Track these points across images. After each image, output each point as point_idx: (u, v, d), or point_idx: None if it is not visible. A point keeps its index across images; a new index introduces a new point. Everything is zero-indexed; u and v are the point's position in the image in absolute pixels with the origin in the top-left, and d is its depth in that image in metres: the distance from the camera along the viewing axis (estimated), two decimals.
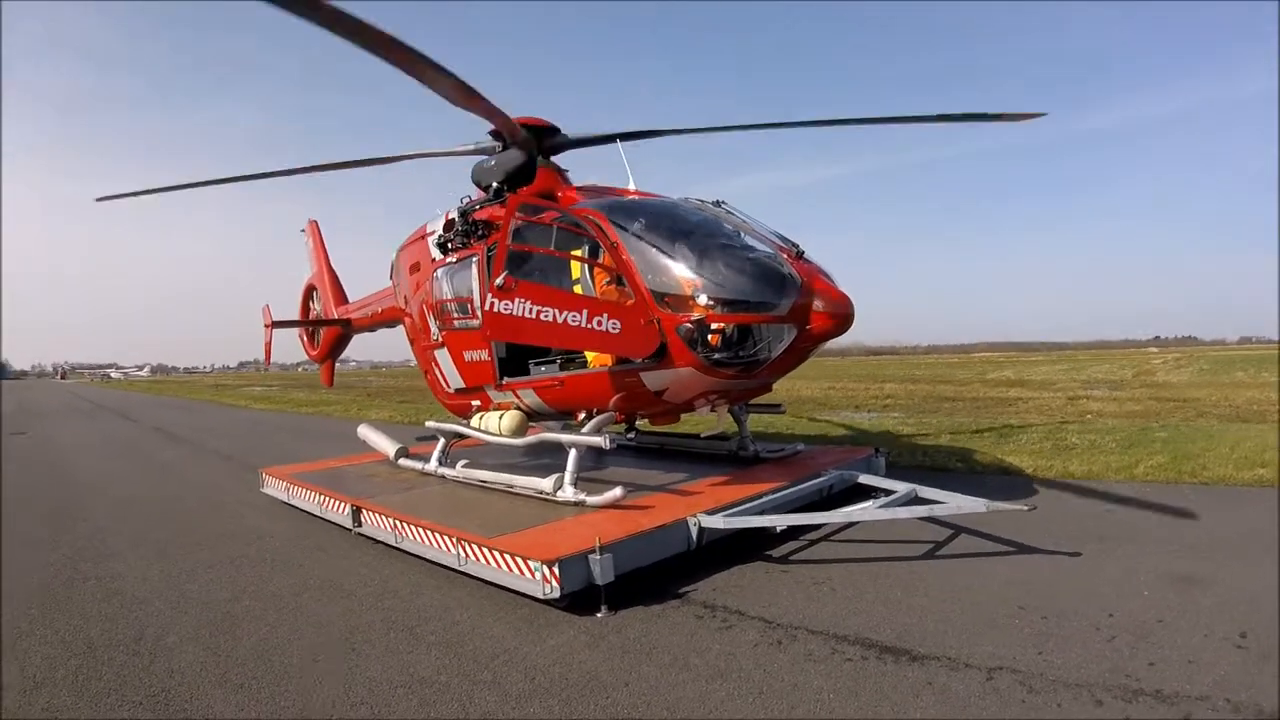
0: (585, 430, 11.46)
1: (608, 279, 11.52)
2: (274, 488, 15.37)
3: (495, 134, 13.23)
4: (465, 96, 10.70)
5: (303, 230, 24.64)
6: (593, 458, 14.13)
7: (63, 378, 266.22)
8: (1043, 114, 11.66)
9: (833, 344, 11.04)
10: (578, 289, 12.25)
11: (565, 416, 13.11)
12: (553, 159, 13.61)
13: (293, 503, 14.44)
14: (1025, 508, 9.41)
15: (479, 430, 13.17)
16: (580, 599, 8.39)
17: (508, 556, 8.72)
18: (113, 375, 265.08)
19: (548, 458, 14.09)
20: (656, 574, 9.33)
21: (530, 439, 12.52)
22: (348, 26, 8.41)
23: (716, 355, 10.28)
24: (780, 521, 10.09)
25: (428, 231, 14.63)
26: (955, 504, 9.92)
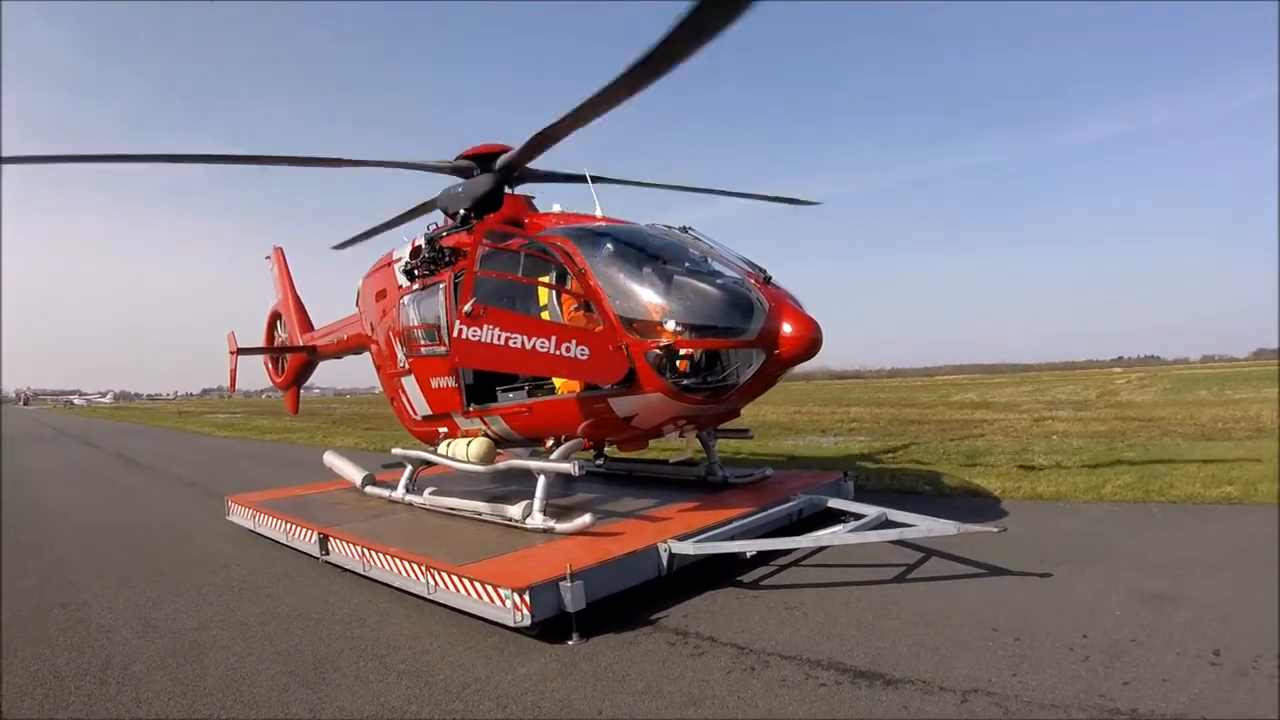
0: (554, 457, 11.42)
1: (576, 305, 11.53)
2: (240, 515, 15.22)
3: (467, 157, 13.22)
4: (417, 167, 10.65)
5: (267, 257, 24.50)
6: (561, 484, 14.12)
7: (25, 404, 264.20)
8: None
9: (797, 369, 11.05)
10: (546, 315, 12.24)
11: (534, 443, 13.06)
12: (519, 188, 13.62)
13: (259, 531, 14.29)
14: (995, 529, 9.44)
15: (447, 457, 13.12)
16: (551, 627, 8.33)
17: (478, 584, 8.65)
18: (75, 402, 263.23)
19: (516, 484, 14.02)
20: (627, 601, 9.27)
21: (498, 466, 12.50)
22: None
23: (685, 381, 10.28)
24: (750, 547, 10.07)
25: (394, 259, 14.56)
26: (926, 527, 9.92)
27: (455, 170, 13.47)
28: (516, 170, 13.17)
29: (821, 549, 11.10)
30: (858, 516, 11.13)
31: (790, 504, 12.08)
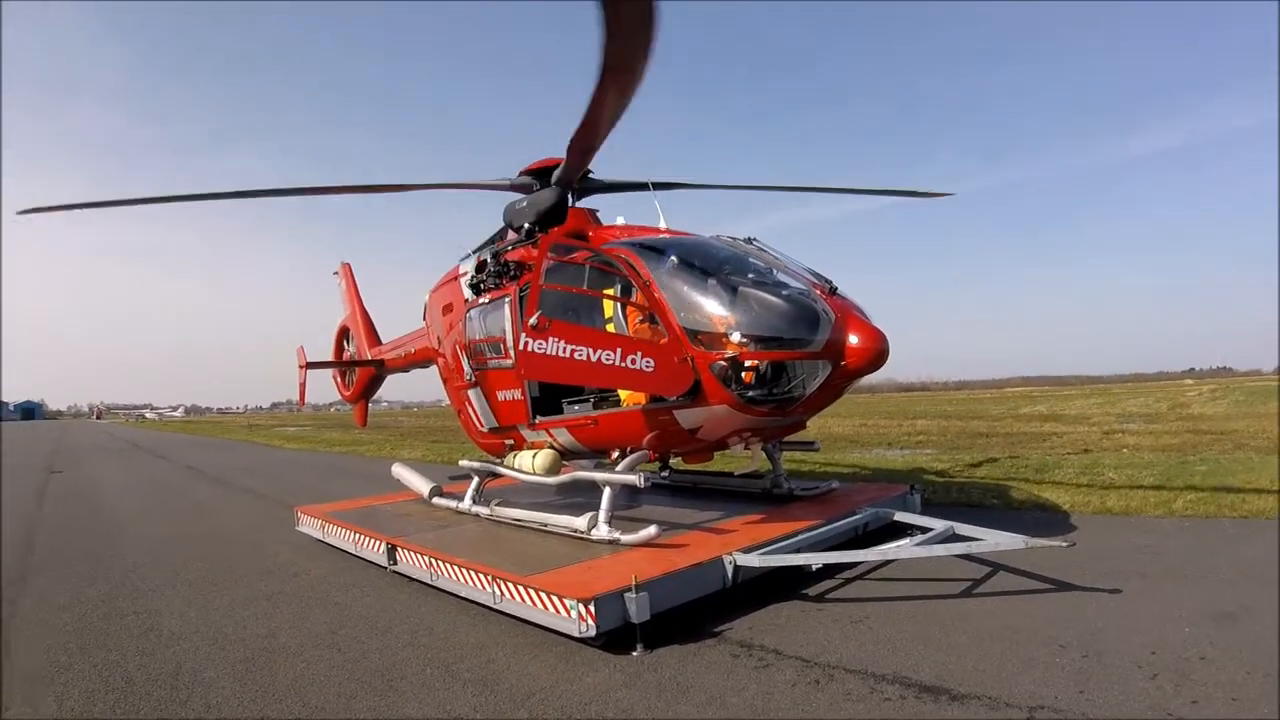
0: (619, 469, 11.42)
1: (641, 317, 11.56)
2: (309, 526, 15.42)
3: (528, 173, 13.31)
4: (482, 186, 10.65)
5: (335, 272, 24.79)
6: (627, 496, 14.16)
7: (98, 418, 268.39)
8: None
9: (863, 381, 11.00)
10: (611, 328, 12.28)
11: (599, 455, 13.05)
12: (583, 201, 13.69)
13: (328, 541, 14.46)
14: (1064, 544, 9.31)
15: (513, 469, 13.21)
16: (616, 637, 8.35)
17: (543, 594, 8.70)
18: (148, 415, 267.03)
19: (581, 496, 14.03)
20: (692, 613, 9.28)
21: (564, 477, 12.51)
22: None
23: (751, 392, 10.25)
24: (816, 559, 10.05)
25: (460, 273, 14.67)
26: (993, 541, 9.80)
27: (518, 187, 13.56)
28: (578, 183, 13.23)
29: (888, 562, 11.07)
30: (924, 530, 11.07)
31: (856, 517, 12.02)
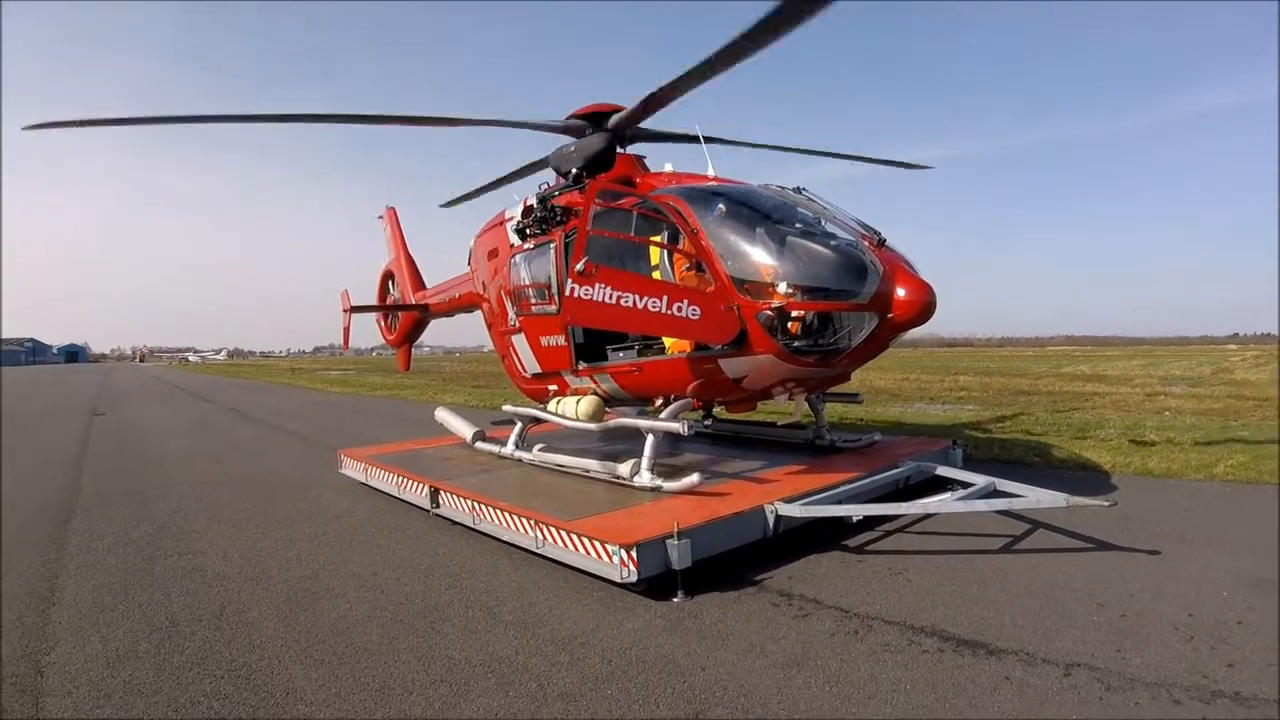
0: (663, 416, 11.46)
1: (687, 265, 11.52)
2: (352, 469, 15.57)
3: (578, 116, 13.28)
4: (535, 126, 10.61)
5: (380, 217, 24.89)
6: (670, 444, 14.14)
7: (141, 360, 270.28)
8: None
9: (907, 335, 10.97)
10: (657, 275, 12.26)
11: (642, 402, 13.12)
12: (631, 149, 13.64)
13: (370, 484, 14.64)
14: (1106, 503, 9.24)
15: (556, 415, 13.24)
16: (657, 584, 8.44)
17: (585, 540, 8.79)
18: (190, 359, 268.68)
19: (624, 443, 14.14)
20: (733, 561, 9.36)
21: (607, 424, 12.59)
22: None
23: (796, 343, 10.20)
24: (857, 511, 10.08)
25: (506, 218, 14.69)
26: (1035, 498, 9.79)
27: (567, 130, 13.51)
28: (628, 130, 13.18)
29: (928, 516, 11.10)
30: (966, 485, 11.05)
31: (898, 470, 12.05)
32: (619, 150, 13.26)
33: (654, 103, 11.40)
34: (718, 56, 9.46)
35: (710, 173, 12.45)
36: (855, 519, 10.27)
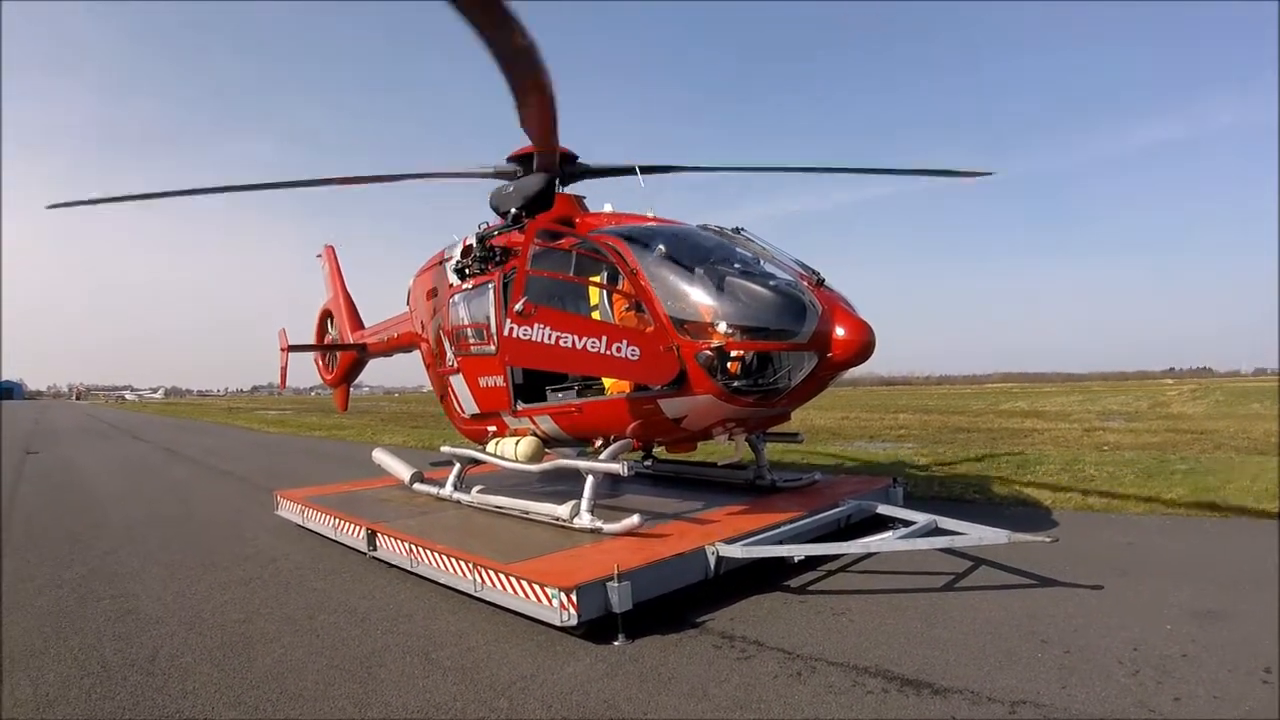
0: (603, 457, 11.41)
1: (627, 305, 11.53)
2: (288, 510, 15.37)
3: (515, 159, 13.29)
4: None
5: (319, 255, 24.78)
6: (609, 485, 14.14)
7: (78, 398, 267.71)
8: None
9: (846, 374, 11.00)
10: (596, 315, 12.24)
11: (582, 443, 13.08)
12: (570, 187, 13.64)
13: (307, 526, 14.42)
14: (1047, 539, 9.29)
15: (495, 456, 13.18)
16: (597, 627, 8.32)
17: (524, 583, 8.66)
18: (127, 397, 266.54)
19: (564, 484, 14.00)
20: (674, 603, 9.26)
21: (546, 465, 12.53)
22: None
23: (736, 383, 10.20)
24: (798, 551, 10.01)
25: (445, 257, 14.62)
26: (976, 535, 9.82)
27: (504, 173, 13.53)
28: (562, 168, 13.17)
29: (870, 555, 11.05)
30: (907, 523, 11.09)
31: (839, 509, 12.01)
32: (558, 189, 13.22)
33: (531, 129, 11.33)
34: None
35: (650, 212, 12.48)
36: (797, 559, 10.16)
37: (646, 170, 13.21)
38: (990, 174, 14.31)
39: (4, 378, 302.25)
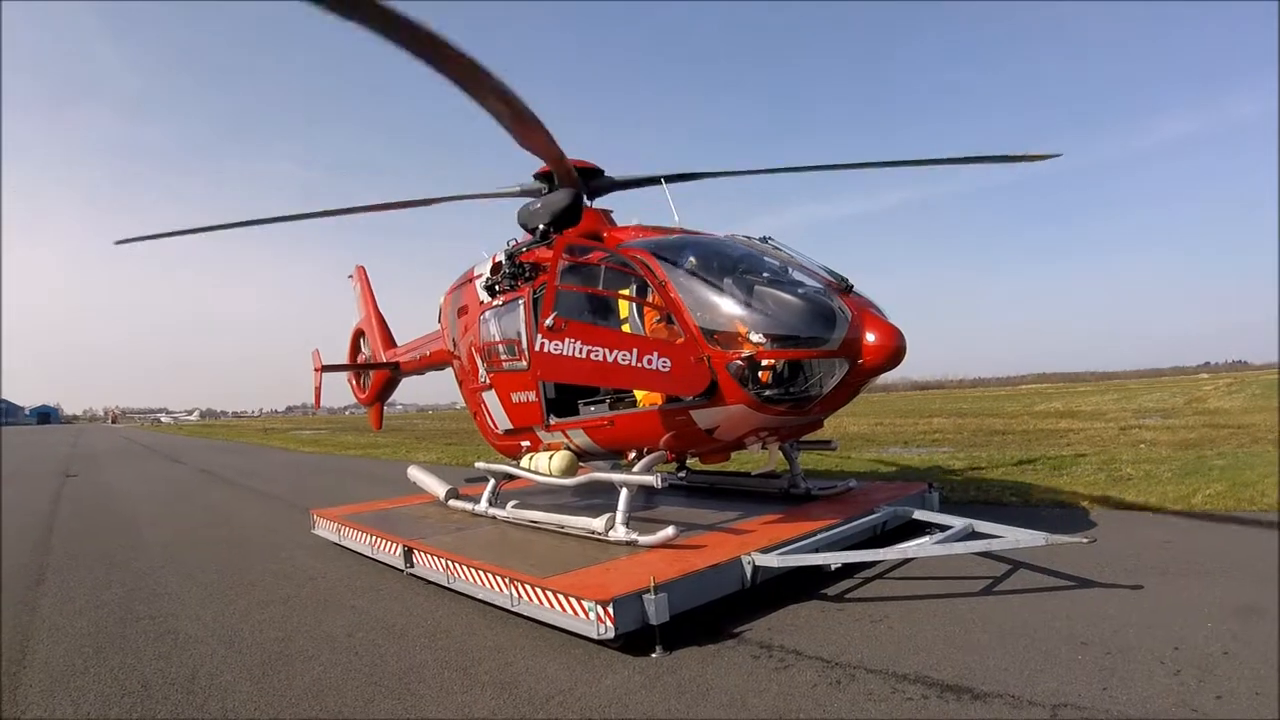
0: (636, 469, 11.41)
1: (657, 317, 11.56)
2: (325, 529, 15.41)
3: (540, 176, 13.33)
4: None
5: (350, 276, 24.93)
6: (644, 497, 14.18)
7: (114, 422, 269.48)
8: (1058, 154, 11.74)
9: (879, 379, 10.97)
10: (626, 328, 12.25)
11: (615, 456, 13.05)
12: (597, 201, 13.67)
13: (344, 544, 14.46)
14: (1085, 541, 9.24)
15: (529, 471, 13.22)
16: (635, 639, 8.31)
17: (561, 596, 8.66)
18: (163, 420, 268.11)
19: (598, 498, 14.01)
20: (711, 613, 9.25)
21: (580, 479, 12.52)
22: (402, 31, 8.32)
23: (768, 392, 10.20)
24: (835, 559, 10.01)
25: (475, 275, 14.71)
26: (1013, 538, 9.74)
27: (531, 191, 13.58)
28: (588, 183, 13.19)
29: (907, 561, 11.05)
30: (944, 528, 11.03)
31: (875, 516, 11.98)
32: (585, 204, 13.25)
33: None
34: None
35: (676, 222, 12.50)
36: (833, 567, 10.18)
37: (671, 179, 13.21)
38: (1058, 155, 13.47)
39: (42, 402, 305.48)
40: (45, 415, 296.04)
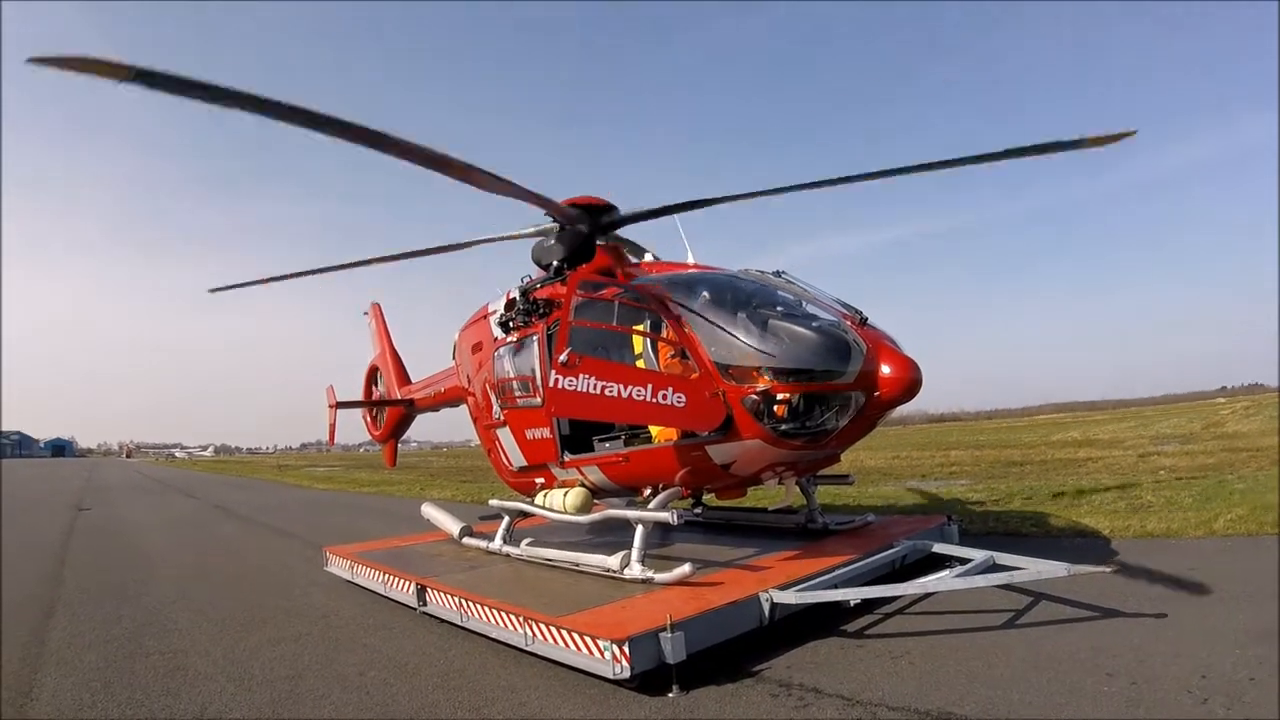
0: (652, 506, 11.37)
1: (671, 353, 11.55)
2: (338, 566, 15.35)
3: (552, 214, 13.34)
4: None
5: (365, 313, 25.01)
6: (660, 534, 14.10)
7: (128, 456, 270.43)
8: (1131, 132, 11.16)
9: (895, 412, 10.93)
10: (641, 364, 12.21)
11: (630, 492, 13.03)
12: (611, 237, 13.65)
13: (357, 581, 14.39)
14: (1107, 569, 9.21)
15: (543, 508, 13.15)
16: (651, 678, 8.21)
17: (576, 635, 8.58)
18: (177, 455, 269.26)
19: (613, 535, 13.95)
20: (729, 651, 9.14)
21: (595, 516, 12.48)
22: (397, 148, 8.88)
23: (783, 426, 10.18)
24: (854, 595, 9.91)
25: (489, 311, 14.74)
26: (1035, 569, 9.66)
27: (544, 230, 13.58)
28: (606, 219, 13.17)
29: (928, 595, 10.92)
30: (964, 561, 10.96)
31: (894, 550, 11.90)
32: (598, 241, 13.24)
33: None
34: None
35: (690, 258, 12.50)
36: (853, 603, 10.07)
37: (683, 208, 13.18)
38: (1132, 133, 12.60)
39: (56, 435, 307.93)
40: (60, 448, 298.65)
